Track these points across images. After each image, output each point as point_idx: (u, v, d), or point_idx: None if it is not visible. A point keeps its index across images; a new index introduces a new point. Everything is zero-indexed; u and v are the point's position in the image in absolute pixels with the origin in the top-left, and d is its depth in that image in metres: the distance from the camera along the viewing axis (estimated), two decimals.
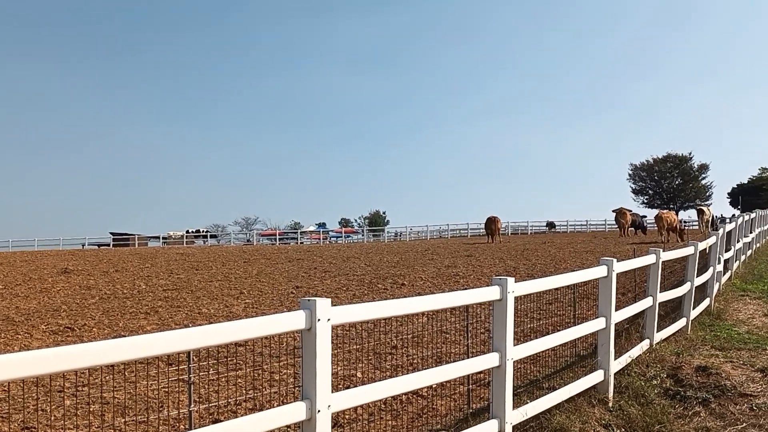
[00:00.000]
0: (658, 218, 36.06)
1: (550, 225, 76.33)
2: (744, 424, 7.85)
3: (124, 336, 8.56)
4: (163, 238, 71.19)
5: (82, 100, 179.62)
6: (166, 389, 8.22)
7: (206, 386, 8.30)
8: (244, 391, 8.20)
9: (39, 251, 50.10)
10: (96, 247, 63.38)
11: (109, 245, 64.95)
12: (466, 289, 8.32)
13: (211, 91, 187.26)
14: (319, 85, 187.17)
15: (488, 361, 6.21)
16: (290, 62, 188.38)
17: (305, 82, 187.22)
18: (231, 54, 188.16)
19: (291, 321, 4.39)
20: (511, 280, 6.32)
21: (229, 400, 7.68)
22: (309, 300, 4.46)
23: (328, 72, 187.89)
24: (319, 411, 4.45)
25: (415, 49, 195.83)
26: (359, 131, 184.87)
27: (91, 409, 7.60)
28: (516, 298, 6.56)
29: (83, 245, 65.41)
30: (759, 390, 8.65)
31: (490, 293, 6.20)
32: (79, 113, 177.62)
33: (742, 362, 9.61)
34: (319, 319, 4.43)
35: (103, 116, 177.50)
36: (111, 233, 70.18)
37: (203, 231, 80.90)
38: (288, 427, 6.42)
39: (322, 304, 4.47)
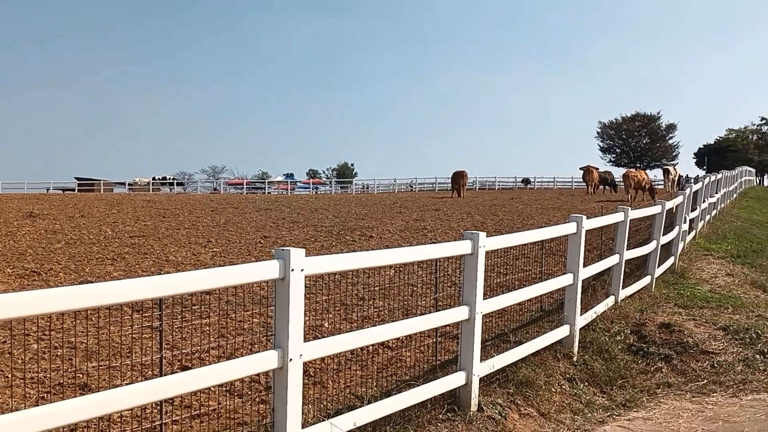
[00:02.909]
0: (625, 177, 36.31)
1: (526, 181, 76.43)
2: (705, 381, 8.04)
3: (92, 282, 8.49)
4: (129, 184, 70.37)
5: (45, 40, 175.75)
6: (134, 336, 8.19)
7: (173, 333, 8.27)
8: (211, 339, 8.20)
9: (3, 194, 49.26)
10: (61, 191, 62.50)
11: (74, 190, 64.08)
12: (434, 242, 8.35)
13: (178, 34, 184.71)
14: (286, 30, 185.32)
15: (458, 314, 6.27)
16: (258, 5, 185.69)
17: (272, 26, 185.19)
18: None
19: (265, 270, 4.38)
20: (482, 234, 6.35)
21: (197, 348, 7.68)
22: (283, 250, 4.44)
23: (295, 15, 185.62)
24: (291, 360, 4.47)
25: None
26: (327, 79, 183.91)
27: (58, 354, 7.57)
28: (485, 254, 6.60)
29: (48, 189, 64.51)
30: (720, 348, 8.86)
31: (462, 247, 6.23)
32: (41, 54, 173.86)
33: (704, 320, 9.80)
34: (293, 269, 4.42)
35: (66, 59, 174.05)
36: (76, 178, 69.20)
37: (170, 178, 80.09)
38: (257, 375, 6.45)
39: (296, 254, 4.46)
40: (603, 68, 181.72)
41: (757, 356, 8.60)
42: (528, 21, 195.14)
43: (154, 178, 74.89)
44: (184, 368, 6.77)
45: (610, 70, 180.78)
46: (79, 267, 13.80)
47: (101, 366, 7.06)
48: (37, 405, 3.57)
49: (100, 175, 71.84)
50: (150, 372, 6.88)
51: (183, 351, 7.49)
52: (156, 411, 5.76)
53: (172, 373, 4.88)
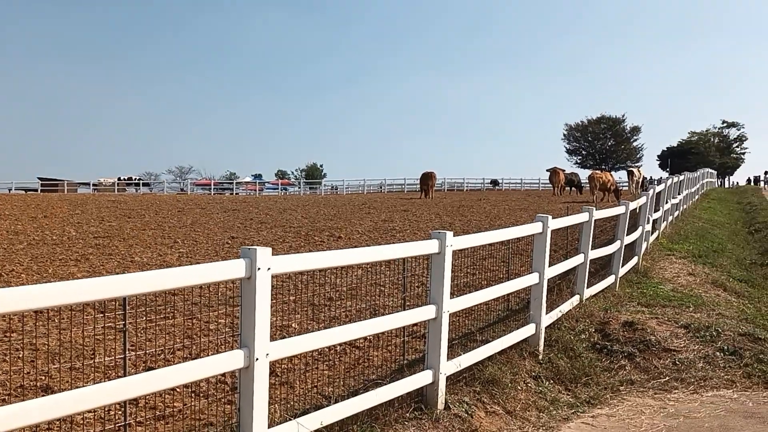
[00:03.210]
0: (590, 178, 36.68)
1: (494, 182, 76.65)
2: (667, 378, 8.16)
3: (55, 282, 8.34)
4: (94, 184, 69.49)
5: (7, 36, 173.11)
6: (97, 337, 8.11)
7: (138, 335, 8.20)
8: (177, 340, 8.14)
9: None
10: (23, 191, 61.57)
11: (36, 190, 63.13)
12: (402, 242, 8.36)
13: (143, 31, 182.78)
14: (255, 29, 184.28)
15: (425, 313, 6.29)
16: (225, 2, 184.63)
17: (241, 25, 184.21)
18: None
19: (231, 269, 4.36)
20: (449, 234, 6.37)
21: (163, 349, 7.62)
22: (249, 249, 4.43)
23: (262, 15, 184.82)
24: (257, 359, 4.45)
25: None
26: (296, 78, 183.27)
27: (21, 356, 7.46)
28: (452, 253, 6.63)
29: (10, 189, 63.51)
30: (682, 345, 8.99)
31: (429, 246, 6.25)
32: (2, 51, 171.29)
33: (666, 318, 9.94)
34: (259, 268, 4.41)
35: (28, 56, 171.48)
36: (39, 178, 68.18)
37: (135, 178, 79.27)
38: (223, 375, 6.42)
39: (263, 253, 4.45)
40: (569, 71, 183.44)
41: (718, 353, 8.74)
42: (495, 23, 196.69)
43: (119, 179, 74.02)
44: (149, 369, 6.71)
45: (577, 73, 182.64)
46: (41, 268, 13.63)
47: (64, 368, 6.97)
48: None
49: (64, 175, 70.87)
50: (114, 373, 6.82)
51: (148, 352, 7.42)
52: (120, 412, 5.71)
53: (136, 373, 4.84)
